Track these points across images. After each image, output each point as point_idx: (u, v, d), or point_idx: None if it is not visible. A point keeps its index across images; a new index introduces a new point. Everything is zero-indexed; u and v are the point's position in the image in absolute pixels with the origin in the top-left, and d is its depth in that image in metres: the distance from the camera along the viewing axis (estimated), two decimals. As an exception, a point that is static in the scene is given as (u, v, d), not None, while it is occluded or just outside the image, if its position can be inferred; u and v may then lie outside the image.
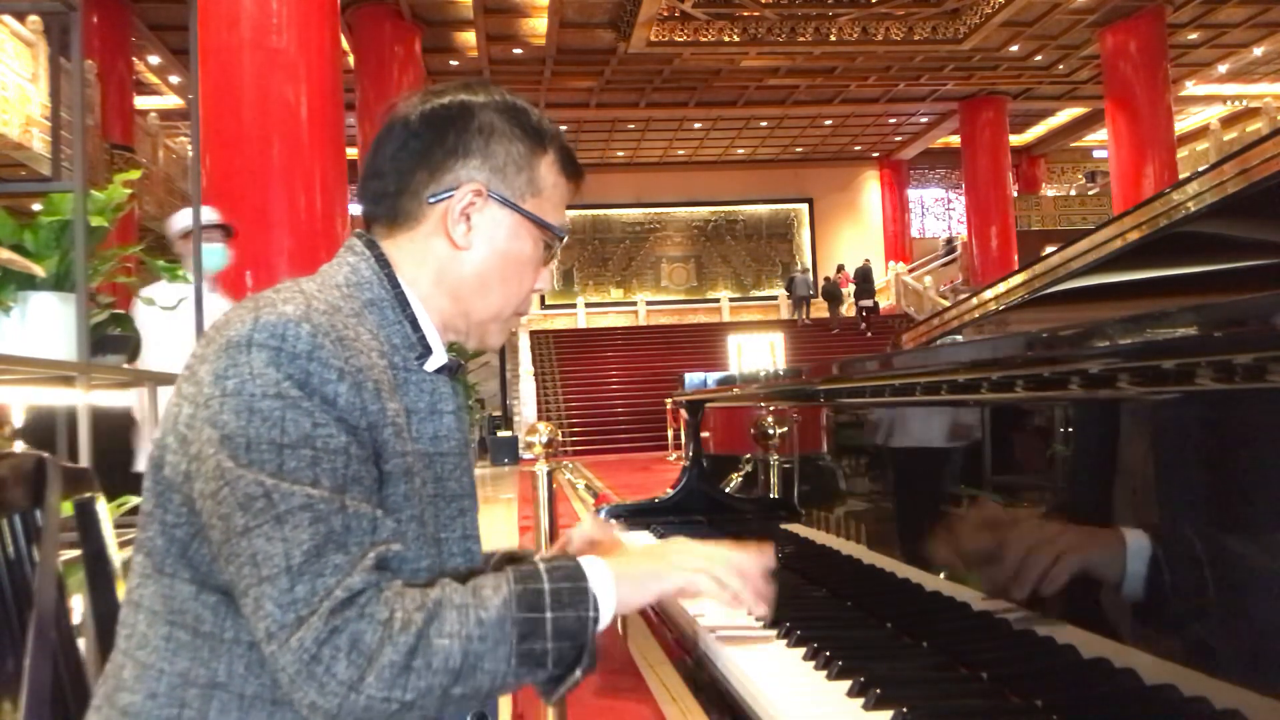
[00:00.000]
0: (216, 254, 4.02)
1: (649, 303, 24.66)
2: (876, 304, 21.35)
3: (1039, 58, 18.12)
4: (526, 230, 1.04)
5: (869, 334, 20.09)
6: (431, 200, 1.01)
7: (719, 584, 0.97)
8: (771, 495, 1.79)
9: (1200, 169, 1.14)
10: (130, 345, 3.36)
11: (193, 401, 0.87)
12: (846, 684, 0.94)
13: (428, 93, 1.05)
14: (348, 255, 1.02)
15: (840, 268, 22.61)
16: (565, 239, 1.09)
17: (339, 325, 0.90)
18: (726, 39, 16.55)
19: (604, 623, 0.90)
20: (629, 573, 0.94)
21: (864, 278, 20.98)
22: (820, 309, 22.03)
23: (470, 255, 1.02)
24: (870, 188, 26.23)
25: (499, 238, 1.03)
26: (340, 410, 0.86)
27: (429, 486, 0.98)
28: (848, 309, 21.91)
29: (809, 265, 25.51)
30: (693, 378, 2.33)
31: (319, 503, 0.82)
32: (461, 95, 1.04)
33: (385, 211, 1.04)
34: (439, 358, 1.02)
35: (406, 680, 0.80)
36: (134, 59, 13.83)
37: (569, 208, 1.10)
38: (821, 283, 22.63)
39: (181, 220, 4.13)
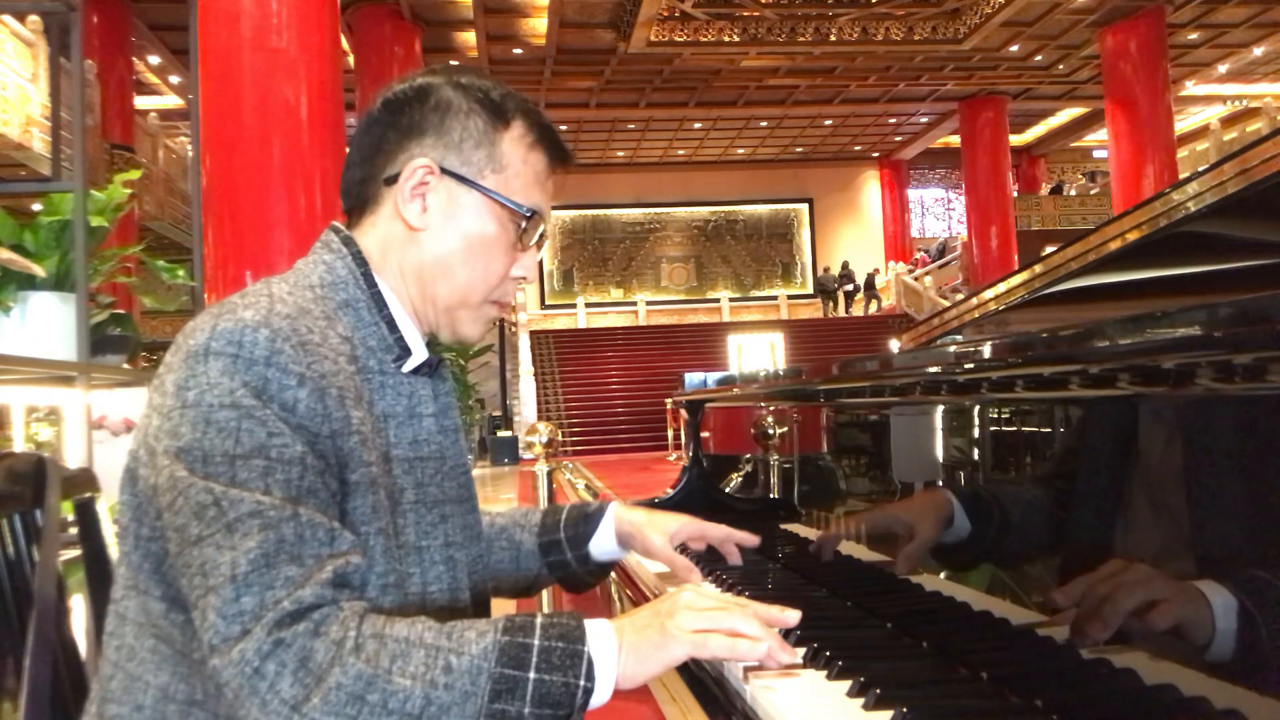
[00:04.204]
0: None
1: (649, 303, 24.66)
2: (857, 286, 23.37)
3: (1039, 58, 18.12)
4: (489, 209, 0.99)
5: (849, 312, 22.97)
6: (387, 182, 0.99)
7: (730, 646, 0.86)
8: (771, 495, 1.79)
9: (1200, 169, 1.14)
10: (130, 345, 3.36)
11: (159, 413, 0.84)
12: (846, 684, 0.93)
13: (397, 79, 1.03)
14: (324, 253, 0.98)
15: (924, 249, 24.48)
16: (534, 216, 1.01)
17: (302, 329, 0.87)
18: (726, 39, 16.55)
19: (600, 697, 0.81)
20: (636, 642, 0.84)
21: (940, 253, 23.62)
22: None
23: (427, 236, 0.98)
24: (870, 188, 26.24)
25: (457, 217, 0.98)
26: (300, 417, 0.83)
27: (409, 493, 0.94)
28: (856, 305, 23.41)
29: (808, 264, 25.65)
30: (693, 378, 2.33)
31: (269, 510, 0.78)
32: (425, 78, 1.01)
33: (354, 201, 1.02)
34: (418, 357, 0.99)
35: (357, 712, 0.73)
36: (134, 59, 13.82)
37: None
38: (819, 275, 24.20)
39: None
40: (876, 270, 23.77)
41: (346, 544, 0.82)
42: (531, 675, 0.78)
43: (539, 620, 0.82)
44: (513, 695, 0.77)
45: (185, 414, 0.82)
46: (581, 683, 0.80)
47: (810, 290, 25.54)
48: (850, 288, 23.38)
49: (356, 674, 0.74)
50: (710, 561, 1.45)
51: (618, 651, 0.83)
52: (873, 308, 22.89)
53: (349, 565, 0.81)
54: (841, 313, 23.35)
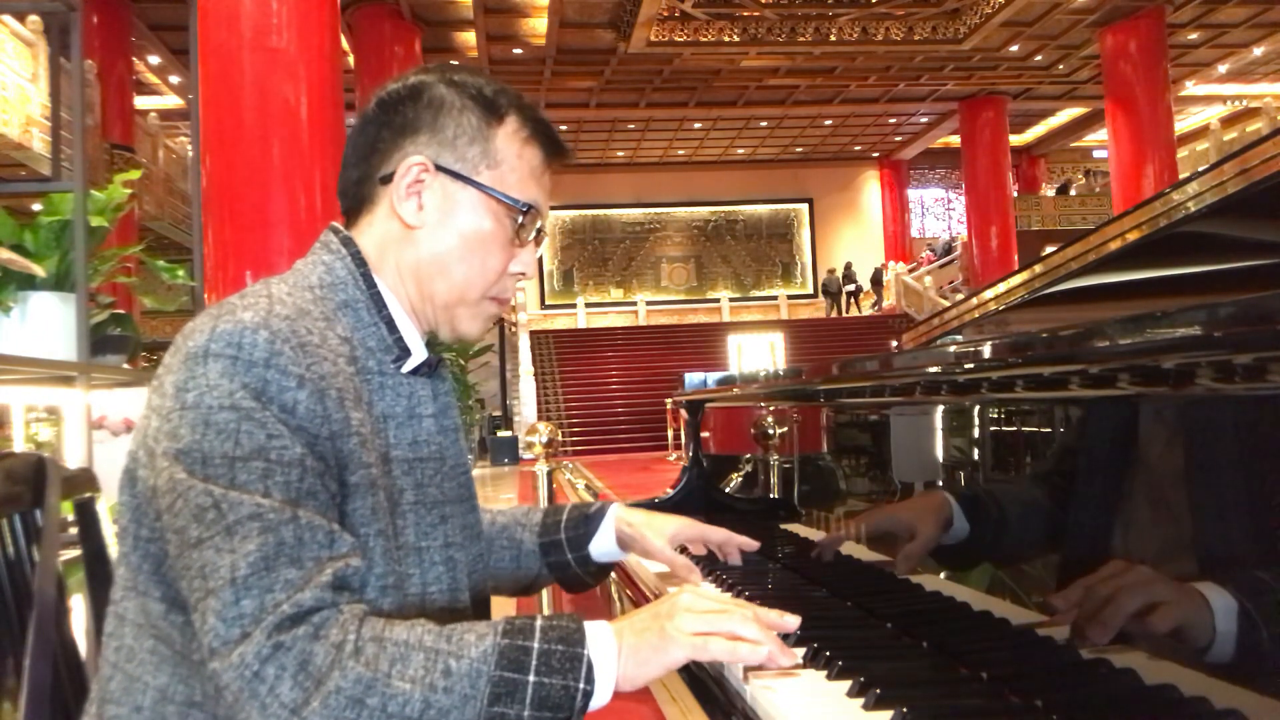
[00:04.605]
0: None
1: (649, 303, 24.66)
2: (859, 287, 23.68)
3: (1039, 58, 18.11)
4: (485, 205, 0.99)
5: (857, 312, 23.20)
6: (383, 181, 0.99)
7: (730, 649, 0.86)
8: (771, 495, 1.79)
9: (1200, 169, 1.14)
10: (130, 345, 3.36)
11: (158, 414, 0.84)
12: (846, 684, 0.94)
13: (392, 79, 1.03)
14: (323, 253, 0.98)
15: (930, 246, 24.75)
16: (530, 210, 1.01)
17: (301, 330, 0.87)
18: (726, 39, 16.55)
19: (600, 699, 0.81)
20: (635, 644, 0.84)
21: (946, 251, 23.28)
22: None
23: (425, 234, 0.98)
24: (870, 188, 26.24)
25: (453, 214, 0.98)
26: (300, 419, 0.83)
27: (408, 494, 0.94)
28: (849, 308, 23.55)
29: (808, 264, 25.69)
30: (693, 378, 2.33)
31: (269, 512, 0.78)
32: (417, 76, 1.01)
33: (351, 202, 1.02)
34: (417, 357, 0.99)
35: (356, 715, 0.74)
36: (134, 59, 13.81)
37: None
38: (823, 278, 24.26)
39: None
40: (886, 264, 23.84)
41: (346, 546, 0.82)
42: (531, 678, 0.78)
43: (539, 623, 0.82)
44: (512, 698, 0.77)
45: (184, 415, 0.81)
46: (581, 685, 0.79)
47: (810, 290, 25.55)
48: (852, 288, 23.53)
49: (356, 677, 0.74)
50: (710, 562, 1.45)
51: (617, 654, 0.83)
52: (876, 306, 22.97)
53: (348, 568, 0.81)
54: (848, 313, 23.41)
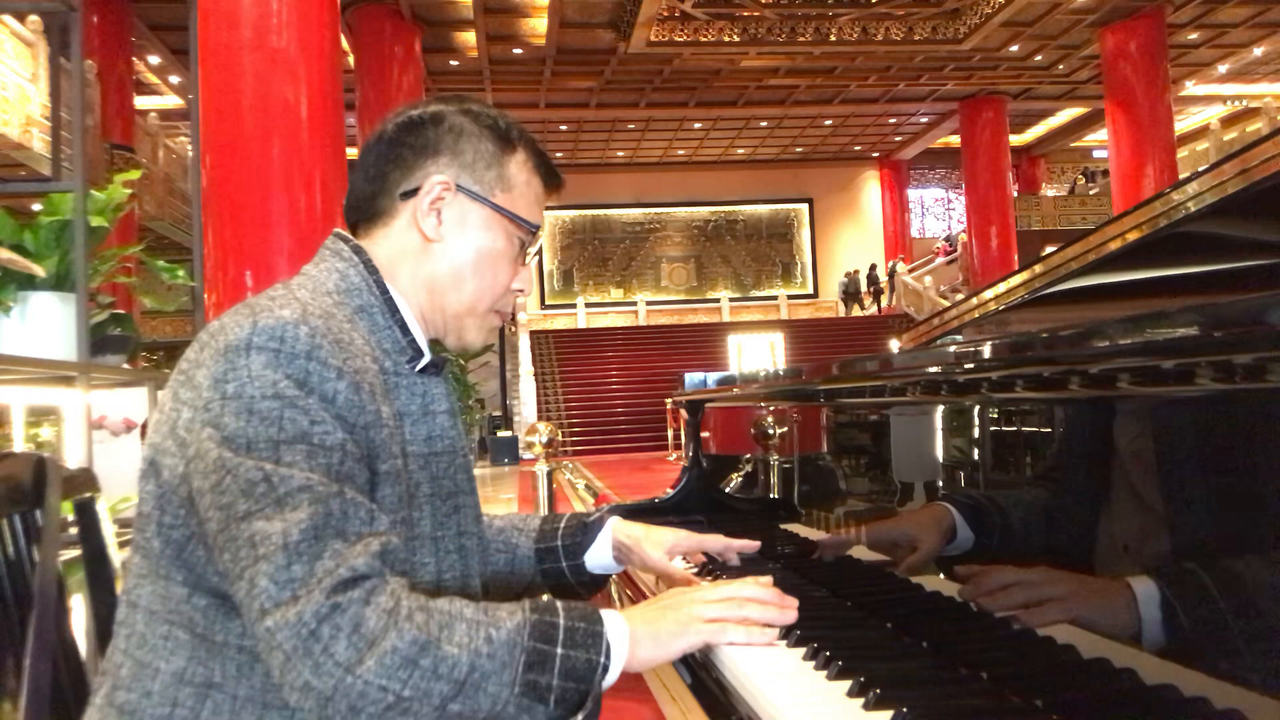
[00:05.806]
0: None
1: (649, 303, 24.66)
2: (880, 289, 24.03)
3: (1039, 58, 18.11)
4: (498, 224, 1.07)
5: (879, 312, 23.46)
6: (403, 196, 1.05)
7: (747, 630, 0.99)
8: (771, 495, 1.79)
9: (1200, 169, 1.14)
10: (130, 345, 3.36)
11: (191, 406, 0.88)
12: (846, 684, 0.94)
13: (406, 106, 1.11)
14: (335, 261, 1.03)
15: (947, 236, 24.94)
16: (537, 233, 1.11)
17: (335, 329, 0.92)
18: (726, 39, 16.55)
19: (612, 676, 0.89)
20: (653, 631, 0.93)
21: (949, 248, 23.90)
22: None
23: (442, 247, 1.05)
24: (870, 188, 26.24)
25: (470, 230, 1.06)
26: (339, 408, 0.88)
27: (424, 487, 1.00)
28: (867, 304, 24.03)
29: (808, 264, 25.71)
30: (693, 378, 2.33)
31: (318, 485, 0.83)
32: (435, 105, 1.09)
33: (364, 214, 1.08)
34: (426, 357, 1.05)
35: (409, 675, 0.78)
36: (134, 59, 13.81)
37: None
38: (840, 280, 24.77)
39: None
40: (901, 256, 23.91)
41: (384, 525, 0.87)
42: (559, 650, 0.85)
43: (559, 603, 0.89)
44: (543, 668, 0.84)
45: (226, 405, 0.85)
46: (601, 659, 0.87)
47: (810, 290, 25.58)
48: (873, 289, 23.86)
49: (412, 639, 0.80)
50: (710, 563, 1.45)
51: (629, 639, 0.90)
52: (897, 297, 23.08)
53: (390, 543, 0.86)
54: (869, 313, 23.61)
